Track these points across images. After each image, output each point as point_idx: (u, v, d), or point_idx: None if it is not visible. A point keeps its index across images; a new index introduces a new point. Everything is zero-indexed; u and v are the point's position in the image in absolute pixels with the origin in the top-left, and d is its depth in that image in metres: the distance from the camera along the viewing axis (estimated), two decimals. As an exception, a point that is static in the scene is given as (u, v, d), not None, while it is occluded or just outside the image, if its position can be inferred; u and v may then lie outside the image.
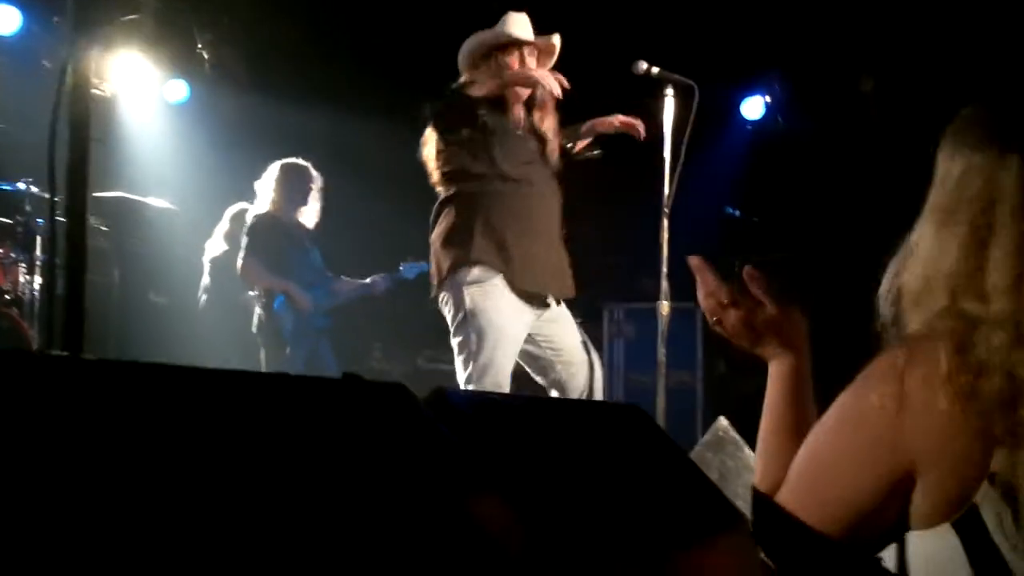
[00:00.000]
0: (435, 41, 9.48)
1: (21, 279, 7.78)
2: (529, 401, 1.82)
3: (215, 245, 8.03)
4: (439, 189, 5.26)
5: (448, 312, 5.15)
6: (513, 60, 5.23)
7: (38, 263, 7.83)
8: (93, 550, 1.07)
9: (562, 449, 1.73)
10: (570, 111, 5.44)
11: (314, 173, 7.63)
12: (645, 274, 9.06)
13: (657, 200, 5.80)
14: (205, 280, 8.07)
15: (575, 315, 9.59)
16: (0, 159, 8.43)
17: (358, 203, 8.91)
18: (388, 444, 1.36)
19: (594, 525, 1.56)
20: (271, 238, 7.38)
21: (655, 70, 5.51)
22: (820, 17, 8.45)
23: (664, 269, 5.58)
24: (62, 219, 6.60)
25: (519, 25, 5.30)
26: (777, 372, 2.08)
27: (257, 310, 7.43)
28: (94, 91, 8.07)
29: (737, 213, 9.23)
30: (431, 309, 9.48)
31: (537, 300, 5.21)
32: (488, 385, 4.92)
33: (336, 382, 1.44)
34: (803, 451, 1.83)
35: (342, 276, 7.80)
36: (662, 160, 5.69)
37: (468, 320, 5.00)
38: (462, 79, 5.32)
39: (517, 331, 5.11)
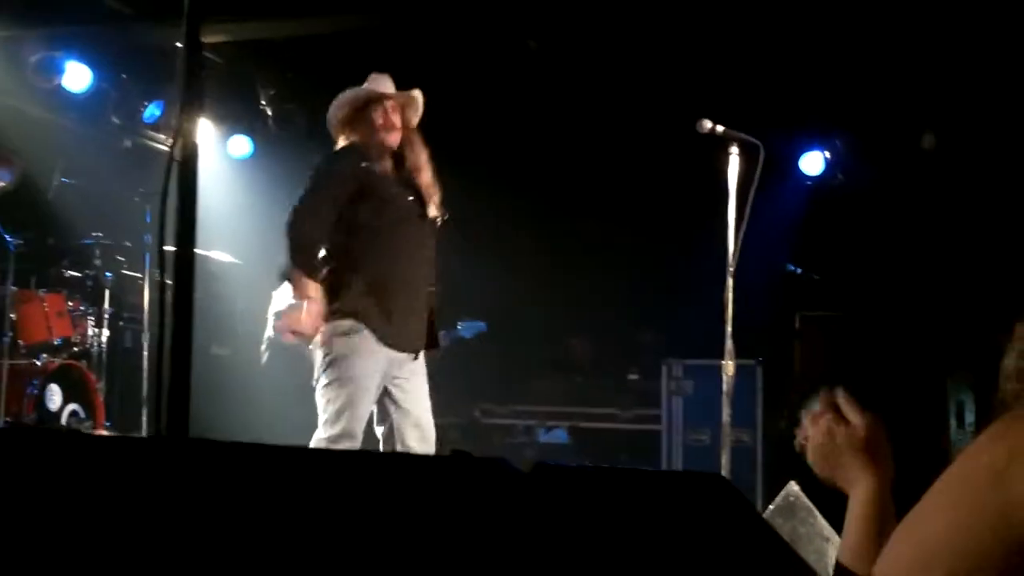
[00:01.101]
0: (487, 93, 9.62)
1: (89, 331, 7.90)
2: (620, 473, 1.83)
3: (280, 298, 8.09)
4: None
5: (317, 357, 5.33)
6: (378, 114, 5.47)
7: (106, 316, 7.95)
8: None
9: (655, 522, 1.74)
10: (636, 172, 5.50)
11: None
12: (706, 330, 9.06)
13: (716, 256, 5.79)
14: (268, 332, 8.12)
15: (634, 371, 9.61)
16: (71, 214, 8.59)
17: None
18: (493, 520, 1.38)
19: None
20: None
21: (719, 128, 5.53)
22: (882, 72, 8.43)
23: (729, 328, 5.54)
24: (131, 273, 6.63)
25: (380, 83, 5.59)
26: (862, 496, 2.02)
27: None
28: (158, 146, 8.24)
29: (798, 271, 9.19)
30: (487, 364, 9.55)
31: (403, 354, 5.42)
32: (344, 431, 5.13)
33: (445, 459, 1.47)
34: (904, 523, 1.75)
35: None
36: (723, 216, 5.68)
37: (332, 366, 5.22)
38: (339, 142, 5.53)
39: (376, 383, 5.30)
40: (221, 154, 9.87)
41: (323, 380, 5.27)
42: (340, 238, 5.33)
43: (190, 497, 1.25)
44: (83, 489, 1.32)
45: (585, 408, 10.07)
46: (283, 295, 7.93)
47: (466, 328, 7.80)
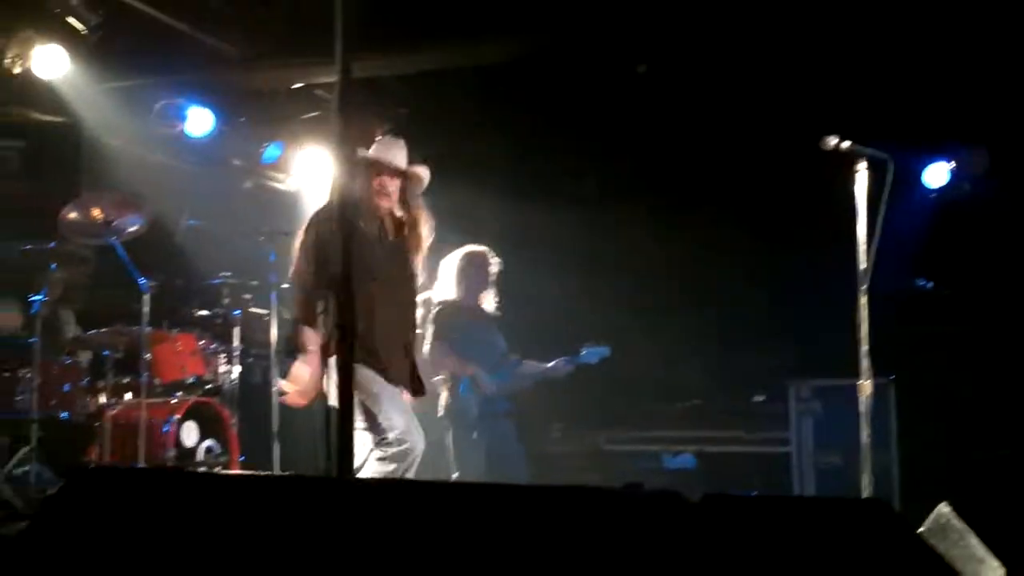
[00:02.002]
0: (600, 120, 9.64)
1: (220, 368, 8.06)
2: (783, 500, 1.81)
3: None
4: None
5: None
6: (377, 181, 5.77)
7: (235, 353, 8.11)
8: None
9: (822, 548, 1.71)
10: (761, 191, 5.46)
11: (493, 258, 7.73)
12: (832, 349, 8.92)
13: (842, 273, 5.71)
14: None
15: (759, 393, 9.50)
16: (199, 255, 8.78)
17: (539, 286, 8.99)
18: (668, 550, 1.38)
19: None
20: (456, 324, 7.52)
21: (845, 144, 5.45)
22: (1008, 79, 8.26)
23: (865, 346, 5.43)
24: (258, 310, 6.74)
25: (394, 148, 5.89)
26: None
27: (443, 394, 7.54)
28: (277, 186, 8.40)
29: (929, 285, 9.01)
30: (612, 390, 9.51)
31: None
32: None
33: (618, 492, 1.47)
34: None
35: (524, 360, 7.85)
36: (844, 231, 5.61)
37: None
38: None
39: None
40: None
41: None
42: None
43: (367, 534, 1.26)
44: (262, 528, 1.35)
45: (710, 432, 9.95)
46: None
47: (590, 353, 7.79)
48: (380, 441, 5.55)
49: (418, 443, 5.63)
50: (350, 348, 2.23)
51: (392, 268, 5.68)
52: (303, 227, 5.68)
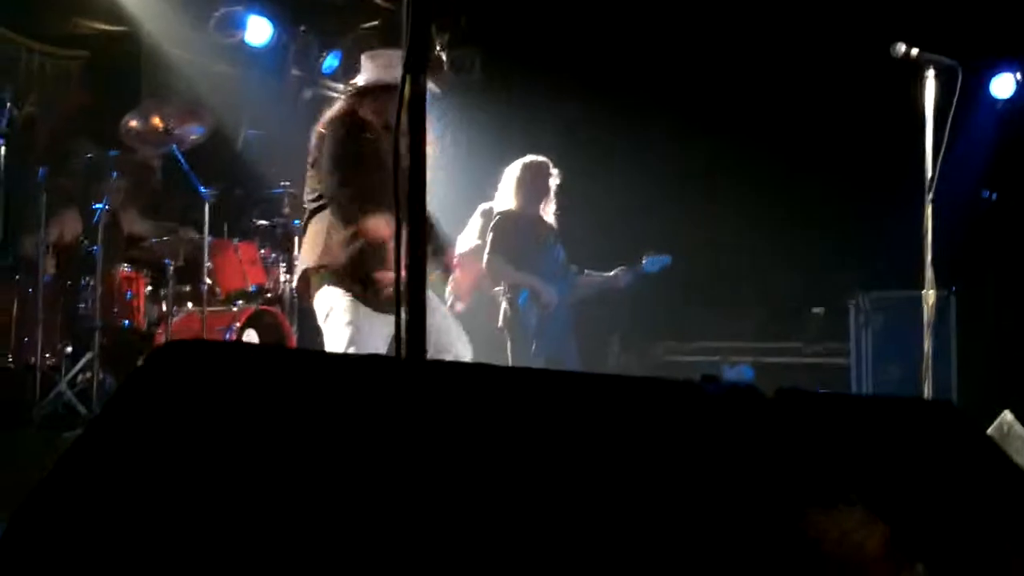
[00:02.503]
0: (663, 27, 9.53)
1: (281, 277, 8.13)
2: (855, 399, 1.80)
3: (465, 241, 8.17)
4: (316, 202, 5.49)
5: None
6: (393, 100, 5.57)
7: (295, 263, 8.17)
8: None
9: (891, 446, 1.71)
10: (827, 100, 5.38)
11: (554, 169, 7.68)
12: (893, 261, 8.84)
13: (908, 185, 5.63)
14: (456, 274, 8.23)
15: (820, 302, 9.40)
16: (259, 165, 8.82)
17: (599, 197, 8.96)
18: (746, 440, 1.38)
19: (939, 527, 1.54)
20: (515, 235, 7.48)
21: (915, 52, 5.35)
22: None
23: (928, 257, 5.38)
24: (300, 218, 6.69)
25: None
26: None
27: (503, 305, 7.53)
28: (337, 95, 8.36)
29: (994, 196, 8.89)
30: (671, 301, 9.50)
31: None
32: None
33: (691, 384, 1.47)
34: None
35: (585, 270, 7.83)
36: (918, 144, 5.52)
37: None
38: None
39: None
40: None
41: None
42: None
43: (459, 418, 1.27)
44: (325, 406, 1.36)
45: (769, 343, 9.94)
46: (467, 240, 8.02)
47: (651, 263, 7.74)
48: None
49: None
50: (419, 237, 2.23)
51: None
52: (335, 139, 5.55)
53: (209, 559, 1.13)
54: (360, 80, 5.72)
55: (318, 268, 5.38)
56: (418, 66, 2.37)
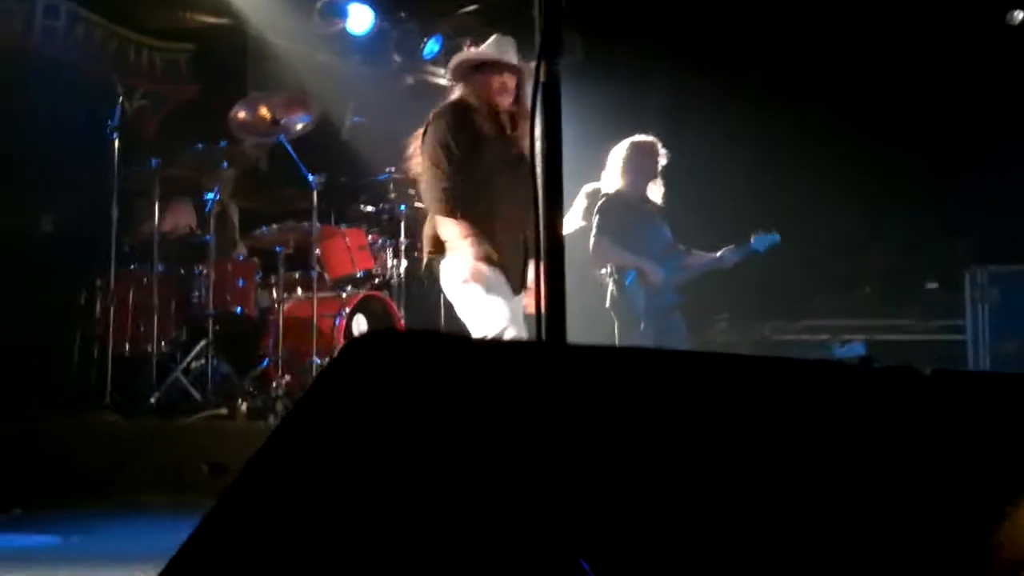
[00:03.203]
0: (762, 10, 9.41)
1: (388, 263, 8.20)
2: (1012, 378, 1.76)
3: (570, 222, 8.17)
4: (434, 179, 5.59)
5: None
6: (496, 79, 5.64)
7: (402, 247, 8.23)
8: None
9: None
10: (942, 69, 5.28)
11: (661, 149, 7.63)
12: (1011, 235, 8.66)
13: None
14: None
15: (933, 278, 9.23)
16: (364, 151, 8.90)
17: (705, 176, 8.88)
18: (905, 420, 1.37)
19: None
20: (622, 216, 7.46)
21: (1031, 18, 5.23)
22: None
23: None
24: (422, 205, 6.80)
25: (504, 46, 5.72)
26: None
27: (610, 286, 7.52)
28: (439, 81, 8.40)
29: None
30: (779, 279, 9.39)
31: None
32: None
33: (851, 367, 1.46)
34: None
35: (692, 250, 7.78)
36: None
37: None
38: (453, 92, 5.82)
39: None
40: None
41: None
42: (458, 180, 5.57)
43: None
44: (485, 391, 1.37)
45: (880, 321, 9.77)
46: (572, 221, 7.99)
47: (759, 241, 7.65)
48: None
49: None
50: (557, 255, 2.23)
51: (511, 165, 5.63)
52: (440, 128, 5.66)
53: (417, 551, 1.16)
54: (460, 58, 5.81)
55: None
56: (553, 52, 2.38)
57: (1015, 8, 5.23)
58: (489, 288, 5.47)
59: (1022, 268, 8.23)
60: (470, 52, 5.89)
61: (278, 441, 1.32)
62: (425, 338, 1.26)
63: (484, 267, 5.45)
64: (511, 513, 1.22)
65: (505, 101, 5.68)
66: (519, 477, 1.22)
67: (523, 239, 5.63)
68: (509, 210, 5.54)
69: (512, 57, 5.75)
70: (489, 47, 5.80)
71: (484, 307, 5.46)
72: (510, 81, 5.69)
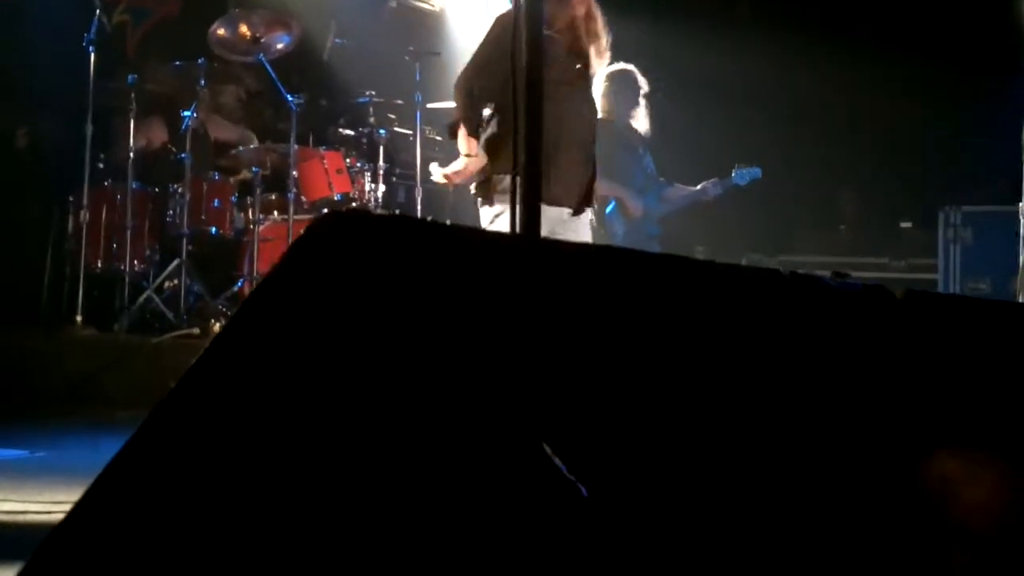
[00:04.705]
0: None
1: (366, 187, 8.14)
2: (982, 304, 1.77)
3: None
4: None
5: (482, 215, 5.42)
6: None
7: (381, 172, 8.18)
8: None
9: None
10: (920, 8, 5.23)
11: (641, 78, 7.58)
12: (983, 174, 8.67)
13: (1003, 99, 5.51)
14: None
15: (906, 218, 9.27)
16: (345, 74, 8.81)
17: (689, 109, 8.84)
18: (876, 338, 1.36)
19: None
20: (603, 144, 7.40)
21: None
22: None
23: (1026, 170, 5.27)
24: (402, 130, 6.73)
25: None
26: None
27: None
28: (423, 5, 8.29)
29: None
30: (756, 213, 9.40)
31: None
32: None
33: (829, 282, 1.45)
34: None
35: (674, 182, 7.76)
36: (1018, 58, 5.39)
37: (497, 223, 5.24)
38: None
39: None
40: (485, 10, 9.90)
41: None
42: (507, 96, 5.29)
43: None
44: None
45: (855, 258, 9.81)
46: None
47: (740, 175, 7.64)
48: None
49: None
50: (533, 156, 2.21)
51: (580, 73, 5.47)
52: (504, 30, 5.40)
53: (380, 444, 1.14)
54: None
55: None
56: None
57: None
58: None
59: (995, 208, 8.23)
60: None
61: (235, 328, 1.29)
62: (394, 221, 1.24)
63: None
64: (479, 404, 1.21)
65: (579, 10, 5.43)
66: (488, 367, 1.21)
67: (587, 156, 5.52)
68: (573, 127, 5.37)
69: None
70: None
71: None
72: None
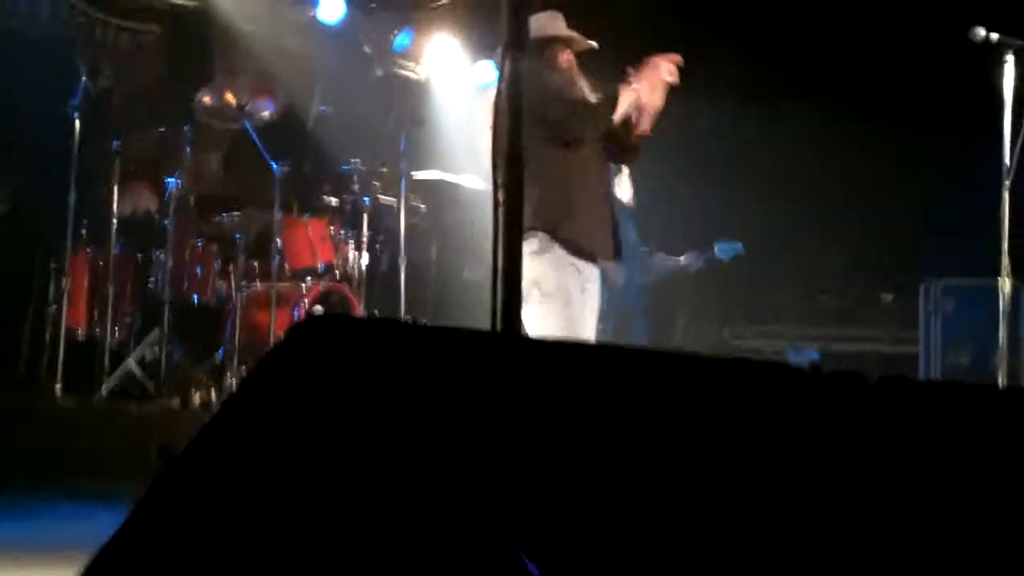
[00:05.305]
0: (737, 10, 9.43)
1: (350, 255, 8.14)
2: (959, 387, 1.76)
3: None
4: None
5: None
6: (563, 55, 5.47)
7: (364, 240, 8.18)
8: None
9: (996, 436, 1.67)
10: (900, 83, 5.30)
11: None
12: (965, 247, 8.71)
13: (984, 170, 5.55)
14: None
15: (888, 289, 9.31)
16: (330, 142, 8.85)
17: (673, 179, 8.90)
18: (850, 428, 1.36)
19: None
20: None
21: (994, 36, 5.26)
22: None
23: (1005, 244, 5.29)
24: (386, 199, 6.73)
25: (556, 21, 5.50)
26: None
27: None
28: (408, 74, 8.35)
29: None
30: (738, 284, 9.44)
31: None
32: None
33: (804, 372, 1.45)
34: None
35: (657, 253, 7.80)
36: (996, 129, 5.43)
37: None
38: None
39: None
40: (468, 80, 10.00)
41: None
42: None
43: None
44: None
45: (836, 329, 9.85)
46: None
47: (723, 249, 7.71)
48: None
49: None
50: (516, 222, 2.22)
51: (591, 133, 5.47)
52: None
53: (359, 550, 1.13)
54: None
55: None
56: (518, 46, 2.39)
57: (978, 25, 5.24)
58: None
59: (976, 281, 8.28)
60: (543, 28, 5.43)
61: (219, 424, 1.29)
62: (371, 324, 1.24)
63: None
64: (454, 507, 1.20)
65: (576, 77, 5.50)
66: (463, 469, 1.20)
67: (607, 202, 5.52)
68: (590, 184, 5.40)
69: (563, 26, 5.58)
70: (559, 23, 5.55)
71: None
72: (571, 56, 5.54)
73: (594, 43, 5.60)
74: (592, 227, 5.35)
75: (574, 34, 5.55)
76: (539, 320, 5.11)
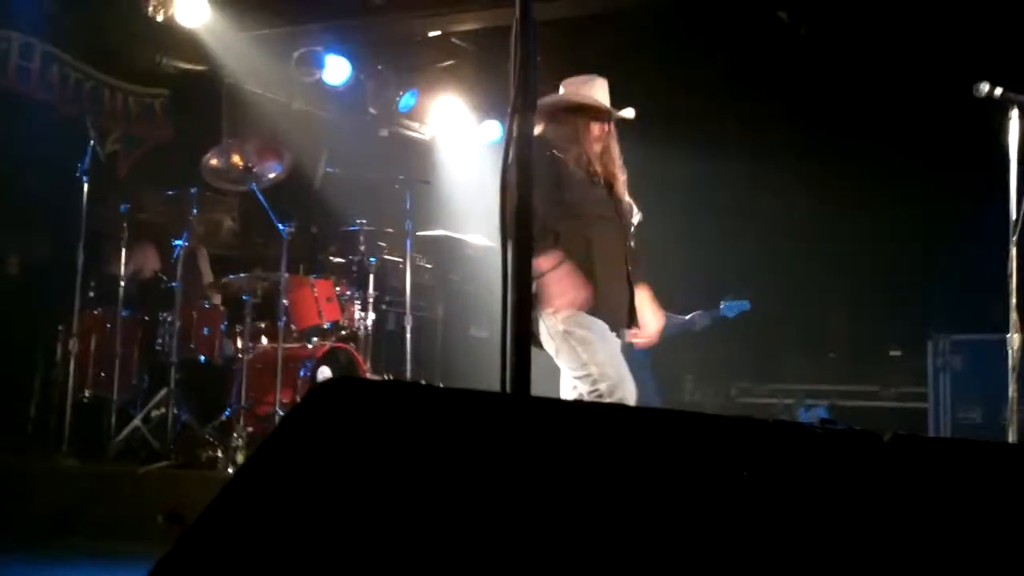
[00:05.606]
0: (741, 66, 9.49)
1: (356, 315, 8.15)
2: (968, 444, 1.76)
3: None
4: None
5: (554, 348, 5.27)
6: (598, 127, 5.38)
7: (370, 299, 8.19)
8: None
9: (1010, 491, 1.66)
10: (905, 139, 5.32)
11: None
12: (972, 302, 8.71)
13: (991, 226, 5.56)
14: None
15: (896, 345, 9.29)
16: (336, 202, 8.89)
17: (678, 238, 8.92)
18: (863, 484, 1.35)
19: None
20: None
21: (998, 91, 5.28)
22: None
23: (1013, 300, 5.29)
24: (392, 258, 6.72)
25: (599, 87, 5.42)
26: None
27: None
28: (413, 134, 8.42)
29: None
30: (745, 341, 9.43)
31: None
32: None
33: (815, 432, 1.45)
34: None
35: (663, 312, 7.78)
36: (992, 181, 5.45)
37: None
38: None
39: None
40: (474, 139, 10.07)
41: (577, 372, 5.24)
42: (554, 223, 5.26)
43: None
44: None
45: (845, 386, 9.82)
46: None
47: (729, 307, 7.71)
48: (591, 392, 5.28)
49: (630, 393, 5.27)
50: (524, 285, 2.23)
51: (608, 208, 5.43)
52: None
53: None
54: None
55: None
56: (527, 107, 2.41)
57: (983, 80, 5.28)
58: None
59: (984, 336, 8.27)
60: (576, 93, 5.45)
61: (237, 487, 1.29)
62: (387, 386, 1.24)
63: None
64: (464, 563, 1.20)
65: (598, 147, 5.41)
66: (473, 528, 1.20)
67: (626, 275, 5.47)
68: (608, 250, 5.37)
69: (605, 93, 5.49)
70: (594, 90, 5.45)
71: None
72: (606, 126, 5.43)
73: (630, 111, 5.48)
74: (614, 304, 5.37)
75: (603, 103, 5.41)
76: (582, 363, 5.17)
